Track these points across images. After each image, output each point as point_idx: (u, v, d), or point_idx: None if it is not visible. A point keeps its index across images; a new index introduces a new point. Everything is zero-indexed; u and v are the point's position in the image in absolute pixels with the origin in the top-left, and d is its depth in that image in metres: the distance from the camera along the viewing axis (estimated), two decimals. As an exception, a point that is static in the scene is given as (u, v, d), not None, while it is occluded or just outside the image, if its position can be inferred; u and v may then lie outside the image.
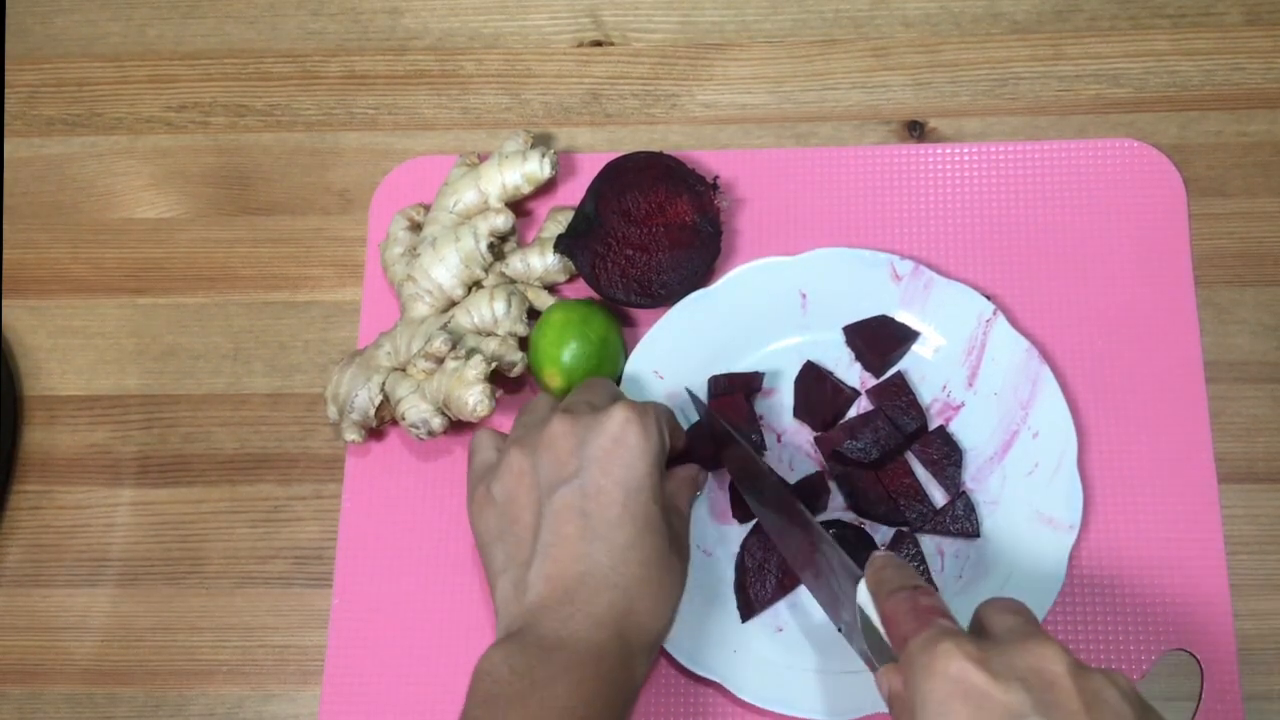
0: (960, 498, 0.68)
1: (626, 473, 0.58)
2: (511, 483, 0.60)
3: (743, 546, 0.68)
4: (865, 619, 0.56)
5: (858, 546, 0.67)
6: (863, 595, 0.56)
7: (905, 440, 0.68)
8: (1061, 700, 0.47)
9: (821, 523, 0.68)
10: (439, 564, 0.71)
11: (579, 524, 0.58)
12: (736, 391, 0.70)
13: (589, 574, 0.57)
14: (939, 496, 0.69)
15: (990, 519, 0.68)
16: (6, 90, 0.83)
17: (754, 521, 0.68)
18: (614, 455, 0.58)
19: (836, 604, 0.61)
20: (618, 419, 0.59)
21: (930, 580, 0.67)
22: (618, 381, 0.71)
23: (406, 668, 0.69)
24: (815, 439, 0.70)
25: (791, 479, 0.69)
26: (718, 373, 0.71)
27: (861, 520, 0.69)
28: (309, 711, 0.69)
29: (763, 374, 0.71)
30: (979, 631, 0.53)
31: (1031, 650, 0.49)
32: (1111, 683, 0.48)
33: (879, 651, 0.55)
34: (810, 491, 0.68)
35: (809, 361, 0.71)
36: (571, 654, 0.55)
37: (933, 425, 0.70)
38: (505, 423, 0.72)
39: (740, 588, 0.67)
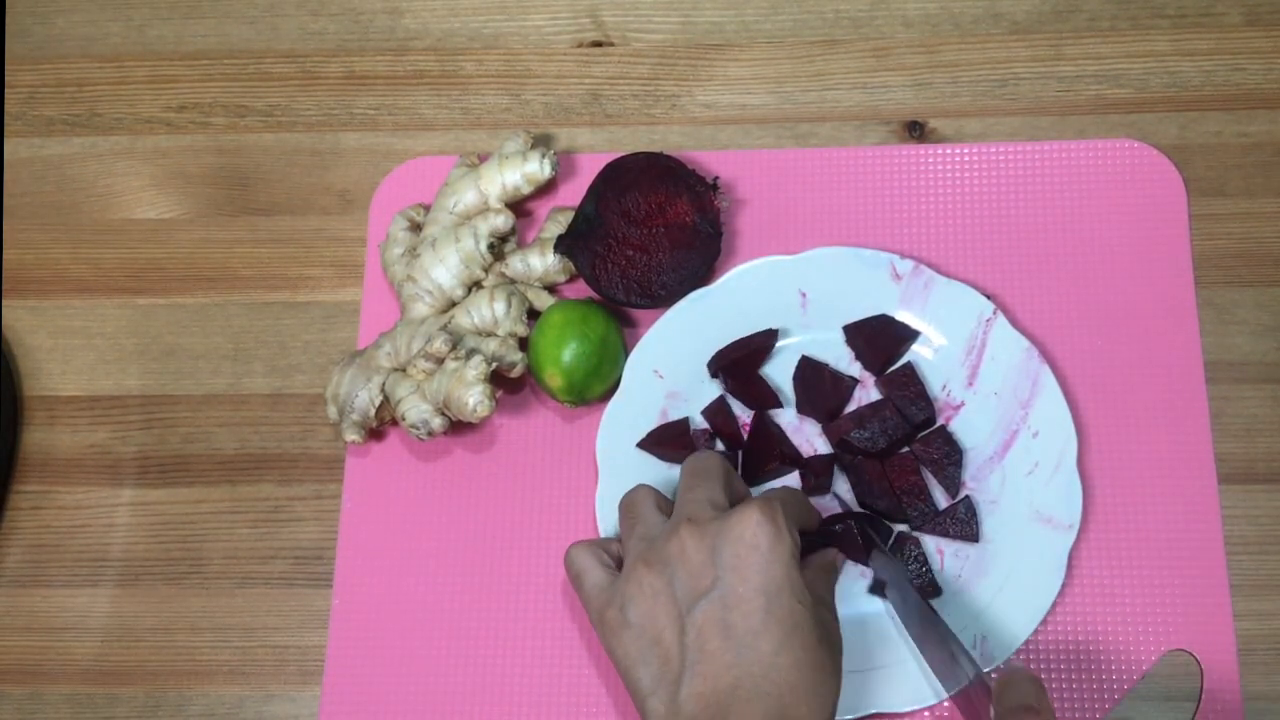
0: (963, 501, 0.68)
1: (764, 577, 0.57)
2: (647, 604, 0.58)
3: None
4: None
5: (869, 539, 0.68)
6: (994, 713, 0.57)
7: (912, 430, 0.69)
8: None
9: (837, 516, 0.68)
10: (439, 564, 0.71)
11: (724, 636, 0.56)
12: (747, 362, 0.70)
13: (740, 686, 0.55)
14: (940, 496, 0.69)
15: (990, 518, 0.68)
16: (6, 90, 0.83)
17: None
18: (749, 561, 0.57)
19: (974, 714, 0.62)
20: (749, 523, 0.58)
21: (933, 581, 0.67)
22: (617, 382, 0.71)
23: (406, 668, 0.69)
24: (823, 429, 0.70)
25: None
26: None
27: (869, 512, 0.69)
28: (309, 711, 0.69)
29: (775, 330, 0.71)
30: None
31: None
32: None
33: None
34: (817, 471, 0.69)
35: (804, 356, 0.71)
36: None
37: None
38: (504, 424, 0.72)
39: None
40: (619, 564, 0.63)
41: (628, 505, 0.64)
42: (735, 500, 0.62)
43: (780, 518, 0.58)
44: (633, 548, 0.61)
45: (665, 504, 0.64)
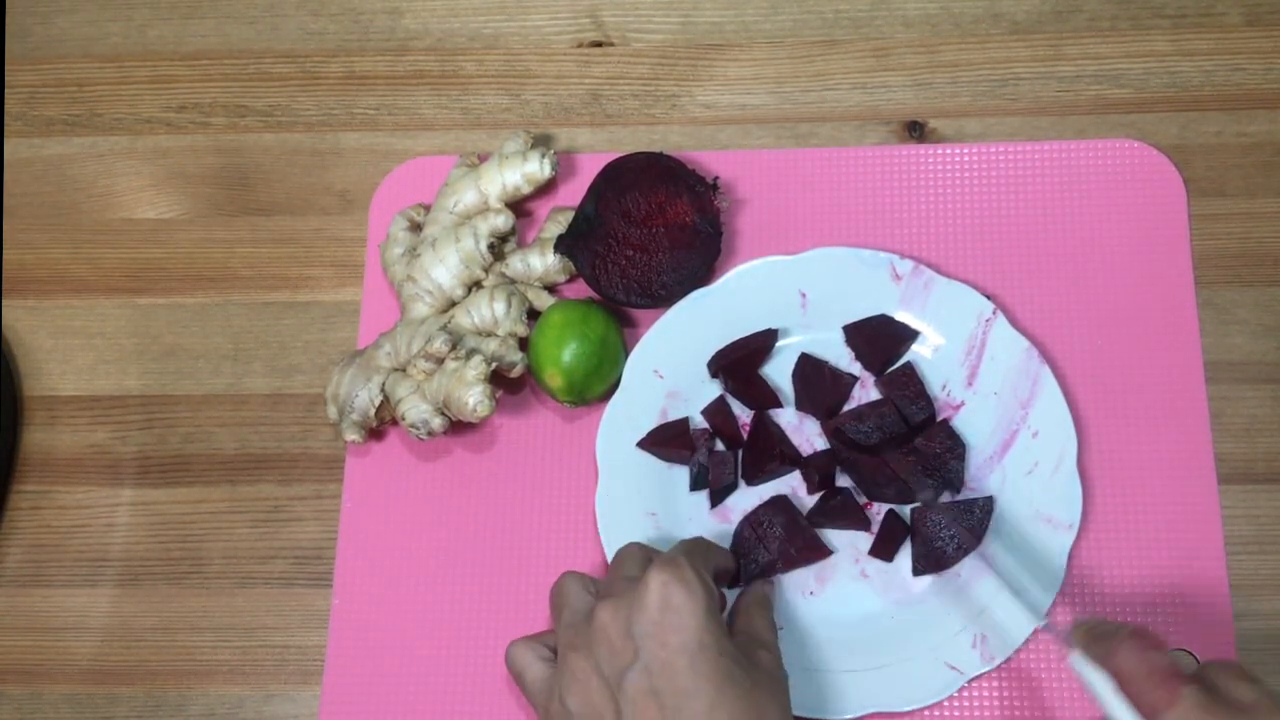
0: (987, 499, 0.68)
1: (682, 636, 0.56)
2: (580, 689, 0.58)
3: (736, 533, 0.69)
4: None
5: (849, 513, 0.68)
6: (1078, 663, 0.57)
7: (910, 431, 0.69)
8: None
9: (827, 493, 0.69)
10: (439, 564, 0.71)
11: (656, 705, 0.56)
12: (747, 362, 0.70)
13: None
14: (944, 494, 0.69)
15: (990, 518, 0.68)
16: (6, 90, 0.83)
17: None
18: (664, 623, 0.56)
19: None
20: (655, 586, 0.57)
21: (971, 532, 0.67)
22: (617, 383, 0.71)
23: (406, 667, 0.69)
24: (822, 426, 0.70)
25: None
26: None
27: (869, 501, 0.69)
28: (309, 711, 0.69)
29: (775, 330, 0.71)
30: (1209, 689, 0.53)
31: None
32: None
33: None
34: (817, 470, 0.69)
35: (804, 354, 0.71)
36: None
37: (933, 425, 0.70)
38: (504, 424, 0.72)
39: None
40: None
41: (555, 594, 0.63)
42: None
43: (687, 571, 0.58)
44: (562, 636, 0.60)
45: (595, 586, 0.63)
